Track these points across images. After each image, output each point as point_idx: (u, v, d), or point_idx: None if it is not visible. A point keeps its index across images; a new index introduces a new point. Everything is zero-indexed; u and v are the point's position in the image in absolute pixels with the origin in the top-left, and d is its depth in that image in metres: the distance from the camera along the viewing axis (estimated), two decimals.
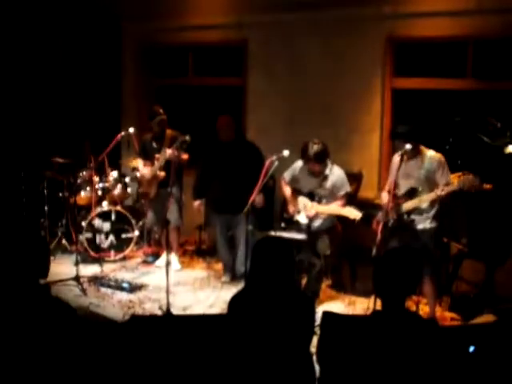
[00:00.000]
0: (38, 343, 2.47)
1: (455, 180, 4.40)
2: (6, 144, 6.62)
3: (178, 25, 7.04)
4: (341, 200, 4.96)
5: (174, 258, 6.19)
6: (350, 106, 6.16)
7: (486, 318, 4.54)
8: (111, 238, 6.39)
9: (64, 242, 6.53)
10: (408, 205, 4.44)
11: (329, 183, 4.96)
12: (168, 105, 6.66)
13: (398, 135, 4.54)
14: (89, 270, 6.04)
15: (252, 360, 2.75)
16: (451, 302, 5.11)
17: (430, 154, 4.45)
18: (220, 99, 7.27)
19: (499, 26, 5.25)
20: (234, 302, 2.90)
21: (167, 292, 4.82)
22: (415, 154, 4.43)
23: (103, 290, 5.56)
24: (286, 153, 4.69)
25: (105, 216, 6.35)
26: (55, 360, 2.49)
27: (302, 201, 5.06)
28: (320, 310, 2.97)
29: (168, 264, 4.92)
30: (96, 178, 6.32)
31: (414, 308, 4.61)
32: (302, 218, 5.02)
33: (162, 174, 5.97)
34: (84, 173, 6.38)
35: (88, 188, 6.38)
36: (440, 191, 4.25)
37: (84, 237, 6.25)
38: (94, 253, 6.28)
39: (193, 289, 5.69)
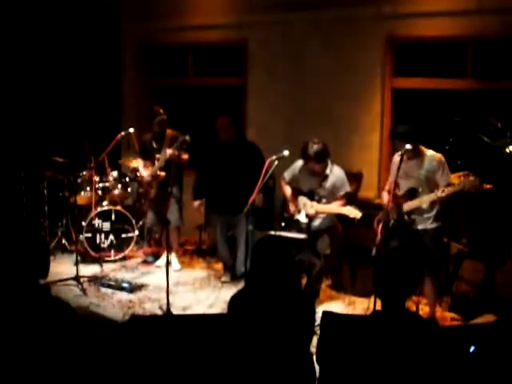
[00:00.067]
0: (38, 343, 2.46)
1: (456, 180, 4.40)
2: (6, 144, 6.62)
3: (178, 25, 7.04)
4: (341, 200, 4.96)
5: (174, 258, 6.19)
6: (350, 106, 6.15)
7: (487, 318, 4.54)
8: (111, 237, 6.39)
9: (64, 241, 6.52)
10: (408, 205, 4.44)
11: (329, 183, 4.96)
12: (168, 105, 6.66)
13: (398, 135, 4.55)
14: (89, 269, 6.05)
15: (252, 360, 2.75)
16: (451, 302, 5.11)
17: (430, 154, 4.45)
18: (220, 99, 7.27)
19: (499, 26, 5.24)
20: (233, 301, 2.90)
21: (167, 292, 4.81)
22: (415, 154, 4.43)
23: (103, 289, 5.56)
24: (286, 153, 4.69)
25: (105, 216, 6.35)
26: (55, 360, 2.48)
27: (302, 200, 5.06)
28: (320, 310, 2.96)
29: (168, 264, 4.91)
30: (96, 178, 6.32)
31: (414, 308, 4.61)
32: (302, 218, 5.02)
33: (163, 174, 5.97)
34: (84, 173, 6.38)
35: (88, 188, 6.38)
36: (440, 193, 4.25)
37: (84, 237, 6.25)
38: (93, 253, 6.28)
39: (193, 289, 5.69)
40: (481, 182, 4.21)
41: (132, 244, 6.45)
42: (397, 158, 4.52)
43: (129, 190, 6.63)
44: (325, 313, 2.81)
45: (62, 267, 5.94)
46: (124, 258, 6.46)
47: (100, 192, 6.41)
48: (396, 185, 4.48)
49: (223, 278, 5.88)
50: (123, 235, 6.40)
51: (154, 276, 5.97)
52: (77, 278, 5.58)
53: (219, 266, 6.15)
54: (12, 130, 6.67)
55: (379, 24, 5.85)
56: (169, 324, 3.11)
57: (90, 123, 7.14)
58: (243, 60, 6.88)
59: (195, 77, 7.48)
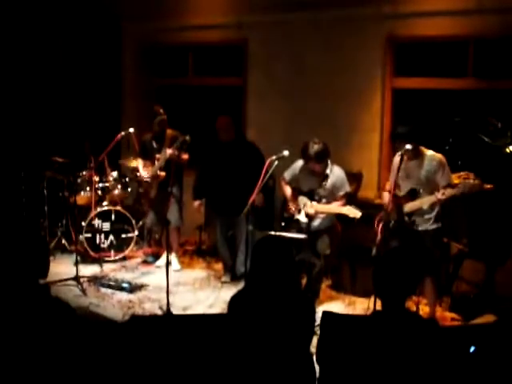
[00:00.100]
0: (38, 343, 2.46)
1: (456, 180, 4.39)
2: (6, 144, 6.62)
3: (178, 25, 7.03)
4: (341, 200, 4.96)
5: (174, 258, 6.19)
6: (350, 106, 6.15)
7: (487, 318, 4.54)
8: (111, 237, 6.38)
9: (64, 241, 6.52)
10: (409, 206, 4.44)
11: (329, 183, 4.95)
12: (168, 105, 6.65)
13: (398, 136, 4.54)
14: (89, 270, 6.04)
15: (252, 360, 2.74)
16: (451, 302, 5.11)
17: (430, 154, 4.44)
18: (220, 99, 7.26)
19: (500, 26, 5.24)
20: (233, 301, 2.90)
21: (167, 292, 4.81)
22: (415, 154, 4.42)
23: (103, 290, 5.56)
24: (286, 153, 4.69)
25: (105, 216, 6.35)
26: (55, 360, 2.48)
27: (302, 200, 5.05)
28: (320, 310, 2.96)
29: (168, 264, 4.91)
30: (96, 178, 6.32)
31: (414, 308, 4.61)
32: (302, 218, 5.02)
33: (163, 174, 5.97)
34: (84, 173, 6.38)
35: (88, 188, 6.37)
36: (441, 195, 4.24)
37: (84, 237, 6.24)
38: (93, 253, 6.28)
39: (193, 289, 5.69)
40: (482, 183, 4.20)
41: (132, 244, 6.44)
42: (397, 158, 4.51)
43: (129, 190, 6.63)
44: (325, 313, 2.80)
45: (62, 267, 5.93)
46: (124, 258, 6.46)
47: (100, 192, 6.41)
48: (396, 185, 4.48)
49: (223, 278, 5.88)
50: (123, 235, 6.40)
51: (153, 276, 5.97)
52: (77, 278, 5.58)
53: (219, 266, 6.14)
54: (12, 130, 6.67)
55: (379, 24, 5.84)
56: (169, 324, 3.11)
57: (90, 123, 7.13)
58: (243, 60, 6.87)
59: (195, 77, 7.48)
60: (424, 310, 4.88)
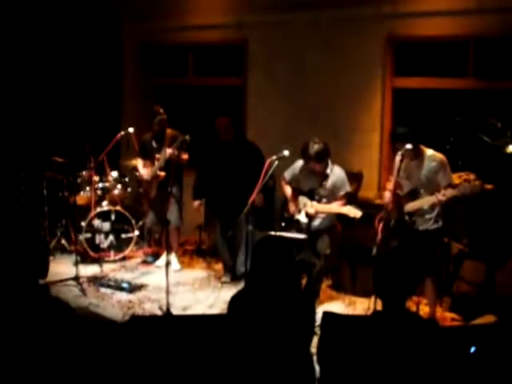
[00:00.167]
0: (38, 343, 2.46)
1: (456, 180, 4.38)
2: (5, 144, 6.62)
3: (178, 25, 7.03)
4: (341, 200, 4.96)
5: (173, 258, 6.18)
6: (350, 106, 6.15)
7: (487, 318, 4.54)
8: (111, 238, 6.38)
9: (63, 242, 6.52)
10: (410, 206, 4.43)
11: (329, 183, 4.95)
12: (168, 105, 6.65)
13: (398, 137, 4.53)
14: (88, 270, 6.04)
15: (252, 360, 2.74)
16: (452, 303, 5.11)
17: (431, 154, 4.43)
18: (220, 99, 7.26)
19: (500, 26, 5.24)
20: (233, 302, 2.90)
21: (167, 292, 4.81)
22: (416, 154, 4.41)
23: (103, 290, 5.55)
24: (286, 153, 4.68)
25: (104, 216, 6.34)
26: (55, 360, 2.48)
27: (303, 200, 5.05)
28: (320, 310, 2.96)
29: (168, 264, 4.91)
30: (96, 178, 6.32)
31: (414, 308, 4.60)
32: (302, 218, 5.02)
33: (162, 173, 5.96)
34: (84, 173, 6.38)
35: (88, 188, 6.38)
36: (441, 196, 4.22)
37: (83, 237, 6.24)
38: (93, 253, 6.27)
39: (193, 289, 5.68)
40: (482, 185, 4.20)
41: (132, 244, 6.44)
42: (398, 158, 4.51)
43: (129, 190, 6.62)
44: (325, 313, 2.80)
45: (62, 267, 5.93)
46: (124, 259, 6.45)
47: (100, 192, 6.40)
48: (398, 185, 4.47)
49: (223, 279, 5.88)
50: (123, 235, 6.39)
51: (153, 276, 5.97)
52: (76, 278, 5.58)
53: (219, 266, 6.14)
54: (12, 130, 6.67)
55: (379, 24, 5.84)
56: (169, 324, 3.11)
57: (90, 123, 7.13)
58: (243, 60, 6.87)
59: (195, 77, 7.47)
60: (424, 310, 4.87)
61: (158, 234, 6.56)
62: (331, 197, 4.98)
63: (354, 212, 4.69)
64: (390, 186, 4.63)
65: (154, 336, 2.86)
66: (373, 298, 3.94)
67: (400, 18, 5.73)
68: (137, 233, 6.45)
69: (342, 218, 5.01)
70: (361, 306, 5.15)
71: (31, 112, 6.85)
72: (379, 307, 2.88)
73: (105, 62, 7.44)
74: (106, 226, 6.35)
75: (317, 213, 4.96)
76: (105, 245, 6.37)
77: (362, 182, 6.01)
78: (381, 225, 4.38)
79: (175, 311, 4.94)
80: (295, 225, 5.05)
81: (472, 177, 4.98)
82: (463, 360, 2.86)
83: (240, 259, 5.71)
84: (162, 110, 6.00)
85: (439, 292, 4.83)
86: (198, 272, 6.20)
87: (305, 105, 6.40)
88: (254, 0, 6.46)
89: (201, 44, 7.16)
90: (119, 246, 6.40)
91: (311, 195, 5.00)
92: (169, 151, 5.74)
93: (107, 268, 6.15)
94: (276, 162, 4.69)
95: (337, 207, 4.89)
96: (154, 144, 6.07)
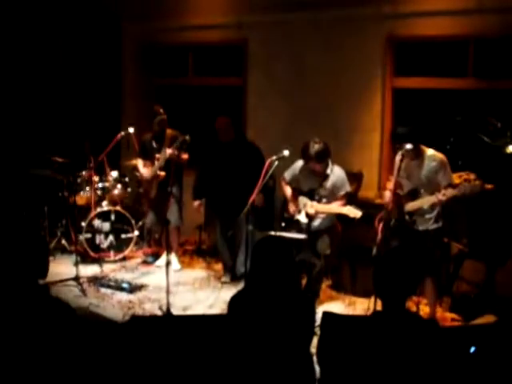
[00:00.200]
0: (38, 343, 2.46)
1: (457, 180, 4.38)
2: (6, 144, 6.61)
3: (178, 25, 7.03)
4: (341, 200, 4.96)
5: (173, 258, 6.18)
6: (351, 106, 6.15)
7: (487, 318, 4.54)
8: (111, 238, 6.38)
9: (63, 242, 6.52)
10: (410, 206, 4.43)
11: (329, 183, 4.95)
12: (168, 105, 6.65)
13: (399, 137, 4.53)
14: (88, 270, 6.04)
15: (252, 360, 2.74)
16: (452, 303, 5.10)
17: (431, 154, 4.43)
18: (220, 99, 7.26)
19: (500, 25, 5.23)
20: (233, 302, 2.90)
21: (167, 292, 4.81)
22: (416, 154, 4.41)
23: (103, 290, 5.55)
24: (286, 153, 4.68)
25: (104, 216, 6.34)
26: (55, 360, 2.48)
27: (303, 200, 5.05)
28: (320, 311, 2.96)
29: (168, 264, 4.91)
30: (96, 178, 6.32)
31: (414, 308, 4.60)
32: (302, 218, 5.02)
33: (162, 173, 5.96)
34: (84, 173, 6.38)
35: (88, 188, 6.38)
36: (441, 196, 4.22)
37: (83, 237, 6.24)
38: (93, 253, 6.27)
39: (193, 289, 5.68)
40: (483, 185, 4.20)
41: (132, 244, 6.44)
42: (398, 158, 4.51)
43: (128, 190, 6.62)
44: (325, 313, 2.80)
45: (62, 267, 5.93)
46: (124, 259, 6.45)
47: (99, 192, 6.40)
48: (399, 185, 4.47)
49: (223, 279, 5.87)
50: (123, 235, 6.39)
51: (153, 276, 5.97)
52: (76, 278, 5.57)
53: (219, 266, 6.14)
54: (12, 130, 6.67)
55: (379, 24, 5.84)
56: (169, 324, 3.11)
57: (90, 123, 7.13)
58: (243, 60, 6.87)
59: (195, 77, 7.47)
60: (424, 310, 4.87)
61: (158, 234, 6.56)
62: (331, 197, 4.98)
63: (354, 212, 4.69)
64: (391, 185, 4.63)
65: (154, 336, 2.86)
66: (373, 298, 3.93)
67: (400, 18, 5.73)
68: (137, 233, 6.45)
69: (342, 218, 5.01)
70: (361, 306, 5.15)
71: (31, 112, 6.85)
72: (379, 307, 2.88)
73: (105, 63, 7.44)
74: (106, 226, 6.35)
75: (317, 213, 4.96)
76: (105, 245, 6.37)
77: (362, 182, 6.01)
78: (381, 225, 4.38)
79: (175, 311, 4.94)
80: (295, 225, 5.05)
81: (472, 177, 4.98)
82: (463, 360, 2.85)
83: (240, 259, 5.71)
84: (162, 110, 6.00)
85: (439, 292, 4.83)
86: (198, 272, 6.20)
87: (305, 105, 6.40)
88: (254, 0, 6.45)
89: (201, 44, 7.16)
90: (119, 246, 6.40)
91: (311, 195, 5.00)
92: (169, 151, 5.74)
93: (107, 268, 6.15)
94: (276, 162, 4.69)
95: (337, 207, 4.89)
96: (154, 144, 6.07)
